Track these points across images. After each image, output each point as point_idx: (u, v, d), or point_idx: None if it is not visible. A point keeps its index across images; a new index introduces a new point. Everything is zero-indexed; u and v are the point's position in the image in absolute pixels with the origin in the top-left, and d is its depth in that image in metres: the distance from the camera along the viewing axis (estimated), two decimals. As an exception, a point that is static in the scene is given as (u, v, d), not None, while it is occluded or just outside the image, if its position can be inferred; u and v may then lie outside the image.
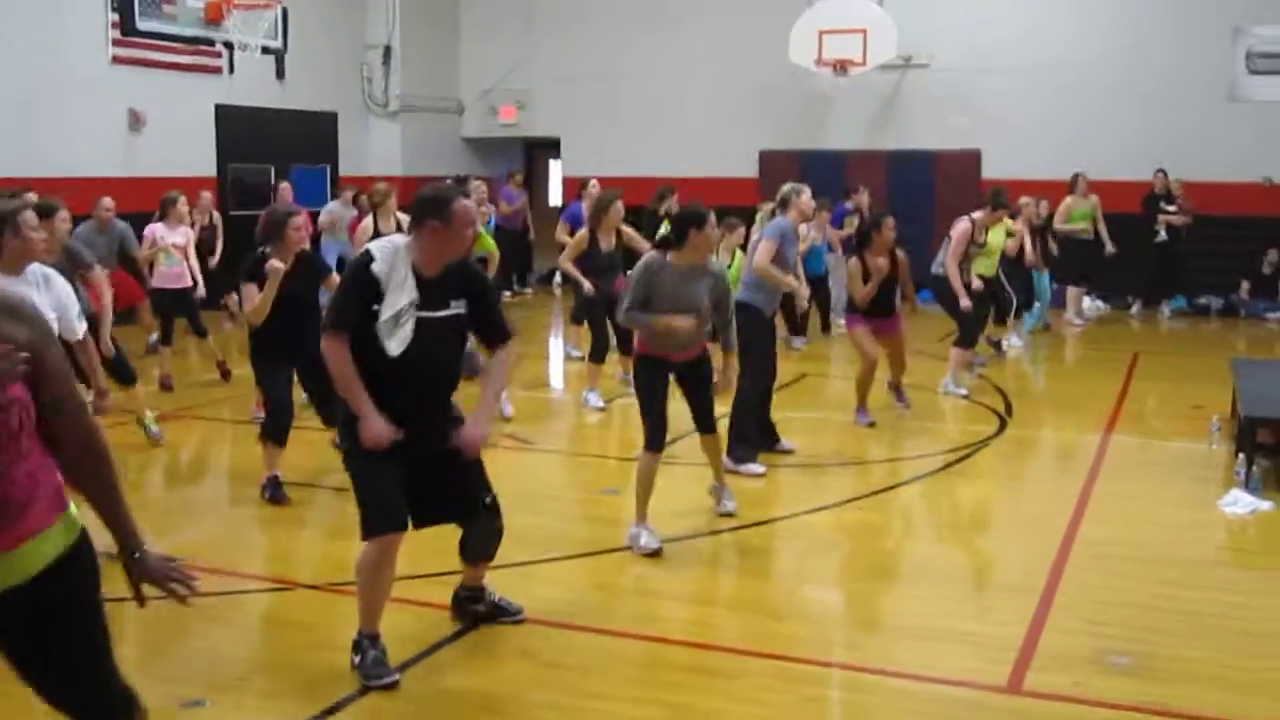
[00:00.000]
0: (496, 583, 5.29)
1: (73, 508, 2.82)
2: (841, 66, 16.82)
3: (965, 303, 10.37)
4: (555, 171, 21.65)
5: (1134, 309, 16.66)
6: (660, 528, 6.27)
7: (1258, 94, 16.44)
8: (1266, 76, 16.43)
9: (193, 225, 13.25)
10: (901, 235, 9.43)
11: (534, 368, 12.15)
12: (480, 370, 4.80)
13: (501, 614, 5.13)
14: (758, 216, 11.48)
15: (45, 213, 7.01)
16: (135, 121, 15.33)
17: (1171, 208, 16.10)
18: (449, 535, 5.47)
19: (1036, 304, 14.27)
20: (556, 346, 13.83)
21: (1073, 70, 17.09)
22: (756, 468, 7.72)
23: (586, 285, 9.98)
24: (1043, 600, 5.50)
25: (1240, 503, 7.11)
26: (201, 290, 11.15)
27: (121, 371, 8.23)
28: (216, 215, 14.14)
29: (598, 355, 10.11)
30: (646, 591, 5.70)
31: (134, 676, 3.03)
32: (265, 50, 16.77)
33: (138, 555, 2.85)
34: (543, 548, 6.15)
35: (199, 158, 16.23)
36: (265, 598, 5.69)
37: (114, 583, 2.94)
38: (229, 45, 16.24)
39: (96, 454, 2.78)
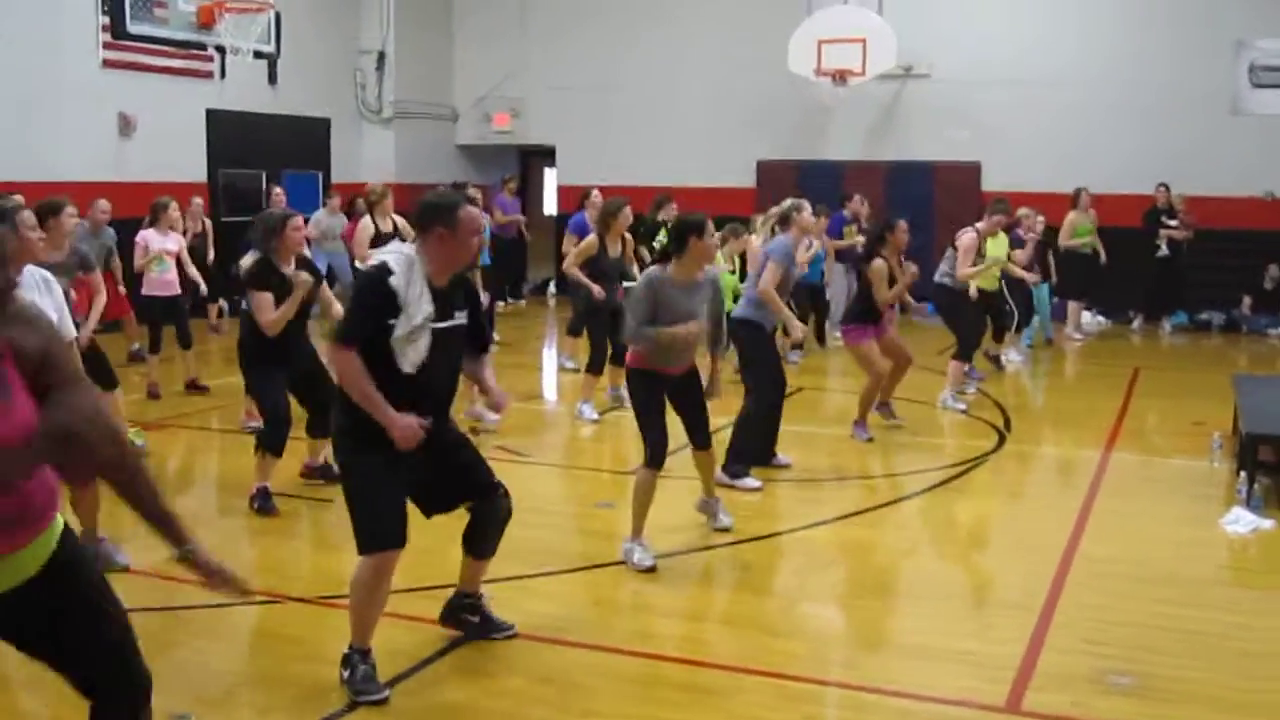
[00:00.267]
0: (490, 597, 5.28)
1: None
2: (840, 76, 16.87)
3: (1031, 276, 11.37)
4: (550, 180, 21.69)
5: (1135, 324, 16.71)
6: (655, 543, 6.27)
7: (1260, 107, 16.51)
8: (1269, 90, 16.50)
9: (184, 232, 13.27)
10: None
11: (527, 379, 12.15)
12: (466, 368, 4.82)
13: (493, 630, 5.13)
14: (758, 224, 11.49)
15: (52, 210, 7.02)
16: (125, 126, 15.34)
17: (1173, 222, 16.16)
18: (440, 549, 5.47)
19: (1035, 318, 14.32)
20: (550, 358, 13.83)
21: (1074, 83, 17.16)
22: (752, 482, 7.73)
23: (596, 290, 10.02)
24: (1042, 619, 5.51)
25: (1241, 521, 7.12)
26: (204, 290, 11.23)
27: (103, 375, 8.23)
28: (207, 221, 14.16)
29: (595, 366, 10.13)
30: (641, 607, 5.70)
31: (122, 691, 3.03)
32: (258, 55, 16.77)
33: (190, 549, 3.05)
34: (536, 562, 6.15)
35: (189, 163, 16.24)
36: (254, 611, 5.67)
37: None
38: (221, 49, 16.25)
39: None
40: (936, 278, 10.72)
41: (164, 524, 3.03)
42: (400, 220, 11.01)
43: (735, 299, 9.46)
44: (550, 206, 21.76)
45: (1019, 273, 12.43)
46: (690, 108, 19.03)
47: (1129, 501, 7.74)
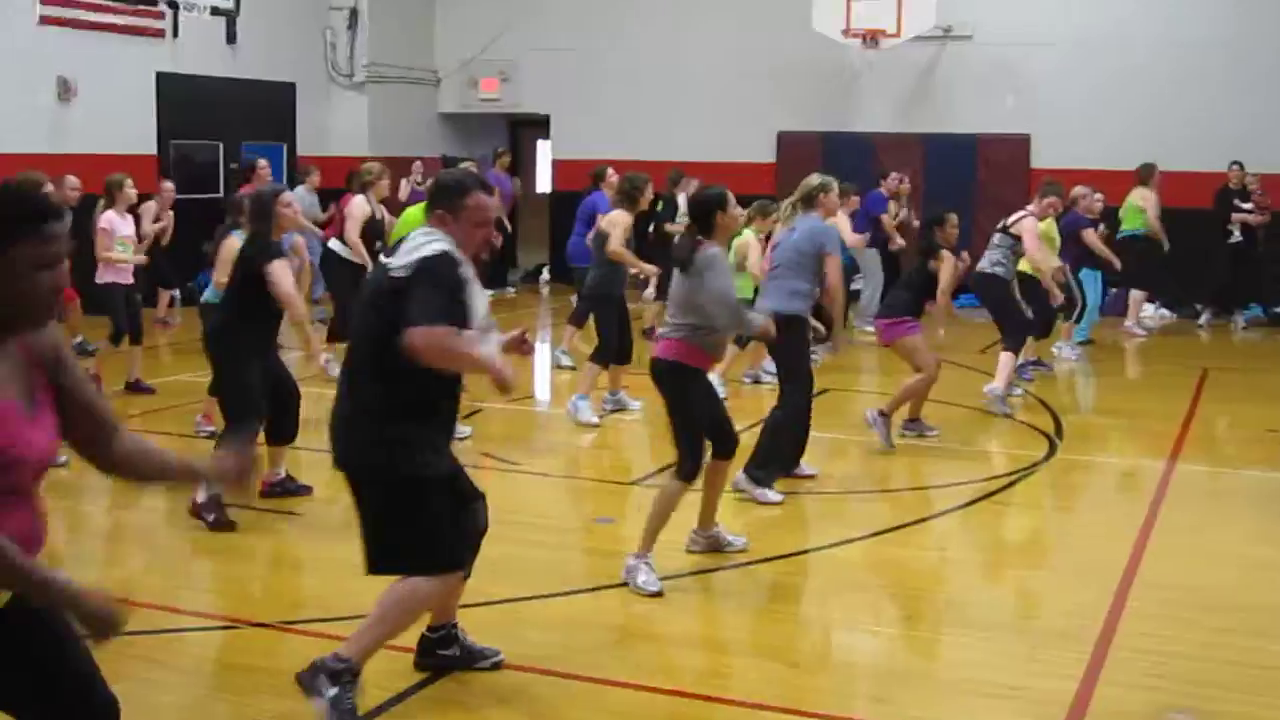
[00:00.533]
0: (478, 621, 5.29)
1: None
2: (872, 37, 16.85)
3: (1058, 297, 11.21)
4: (543, 153, 21.69)
5: (1203, 319, 16.68)
6: (662, 562, 6.27)
7: (1346, 75, 16.48)
8: (1356, 55, 16.47)
9: (157, 219, 13.31)
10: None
11: (518, 378, 12.14)
12: None
13: (477, 659, 5.13)
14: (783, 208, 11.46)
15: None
16: (65, 91, 15.35)
17: (1247, 205, 16.12)
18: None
19: (1088, 309, 14.20)
20: (544, 353, 13.83)
21: (1135, 45, 17.13)
22: (773, 495, 7.73)
23: (649, 268, 10.27)
24: (1097, 650, 5.51)
25: (1323, 541, 7.11)
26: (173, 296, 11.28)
27: None
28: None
29: (603, 356, 10.10)
30: (646, 636, 5.69)
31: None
32: (215, 11, 16.81)
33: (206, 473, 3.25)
34: (528, 583, 6.15)
35: (137, 133, 16.25)
36: (208, 637, 5.69)
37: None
38: (173, 4, 16.27)
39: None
40: (983, 267, 10.69)
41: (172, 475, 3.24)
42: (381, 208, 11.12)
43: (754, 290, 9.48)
44: (544, 183, 21.76)
45: (1101, 250, 12.44)
46: (701, 73, 19.02)
47: (1195, 518, 7.74)
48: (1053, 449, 9.48)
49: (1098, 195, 13.85)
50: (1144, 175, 15.07)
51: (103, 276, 10.71)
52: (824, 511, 7.88)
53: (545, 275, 20.39)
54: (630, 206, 10.06)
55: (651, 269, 10.48)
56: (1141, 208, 14.92)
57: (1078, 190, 13.37)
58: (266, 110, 18.33)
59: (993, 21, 17.67)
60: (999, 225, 10.88)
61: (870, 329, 14.06)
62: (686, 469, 6.16)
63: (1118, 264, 13.70)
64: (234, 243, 8.04)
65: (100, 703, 3.14)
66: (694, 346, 6.22)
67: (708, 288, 6.12)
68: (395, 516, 4.53)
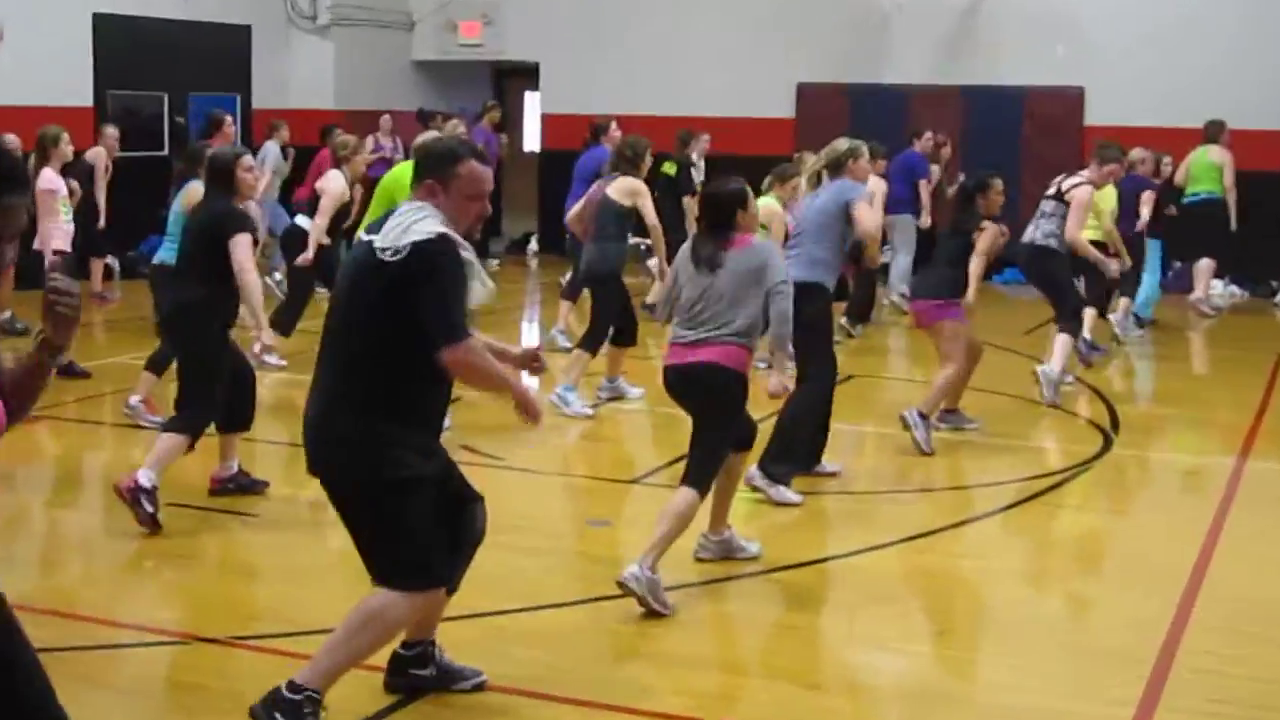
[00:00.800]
0: (457, 638, 5.29)
1: None
2: (905, -24, 16.83)
3: (1114, 267, 11.11)
4: (531, 107, 21.66)
5: (1279, 297, 16.69)
6: (666, 571, 6.25)
7: None
8: None
9: (106, 170, 13.32)
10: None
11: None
12: None
13: (455, 680, 5.13)
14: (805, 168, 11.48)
15: None
16: (-11, 35, 15.31)
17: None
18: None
19: (1148, 285, 14.16)
20: (531, 333, 13.84)
21: (1203, -14, 17.13)
22: (792, 495, 7.74)
23: (661, 259, 10.34)
24: (1155, 671, 5.52)
25: None
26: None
27: None
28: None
29: (593, 341, 10.05)
30: (647, 653, 5.70)
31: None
32: (159, -57, 16.76)
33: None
34: (513, 594, 6.16)
35: (71, 83, 16.21)
36: (152, 654, 5.69)
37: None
38: (112, -64, 16.23)
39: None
40: (1031, 238, 10.66)
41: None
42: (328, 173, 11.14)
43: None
44: (532, 141, 21.74)
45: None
46: (712, 17, 18.99)
47: (1267, 522, 7.74)
48: (1108, 444, 9.49)
49: (1167, 158, 13.79)
50: (1212, 133, 15.00)
51: (50, 244, 10.69)
52: (848, 514, 7.88)
53: (533, 245, 20.38)
54: (632, 173, 10.03)
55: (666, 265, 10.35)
56: (1217, 164, 14.80)
57: (1136, 154, 13.34)
58: (218, 57, 18.29)
59: (1042, -42, 17.66)
60: (1050, 191, 10.83)
61: (898, 302, 14.12)
62: (707, 487, 6.21)
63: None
64: (198, 189, 8.02)
65: None
66: (747, 351, 6.30)
67: (781, 296, 6.28)
68: (372, 523, 4.57)
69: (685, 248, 6.54)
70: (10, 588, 2.99)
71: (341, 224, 11.23)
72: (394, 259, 4.41)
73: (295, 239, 11.38)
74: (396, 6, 20.59)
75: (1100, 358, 12.40)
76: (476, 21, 20.38)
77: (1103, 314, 12.71)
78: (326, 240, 11.11)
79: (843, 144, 8.26)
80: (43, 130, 11.06)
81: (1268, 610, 6.27)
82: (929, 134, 15.58)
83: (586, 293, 10.65)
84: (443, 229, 4.47)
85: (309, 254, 11.02)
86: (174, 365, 7.76)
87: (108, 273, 14.79)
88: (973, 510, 7.97)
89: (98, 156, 13.62)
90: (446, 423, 4.82)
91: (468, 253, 4.52)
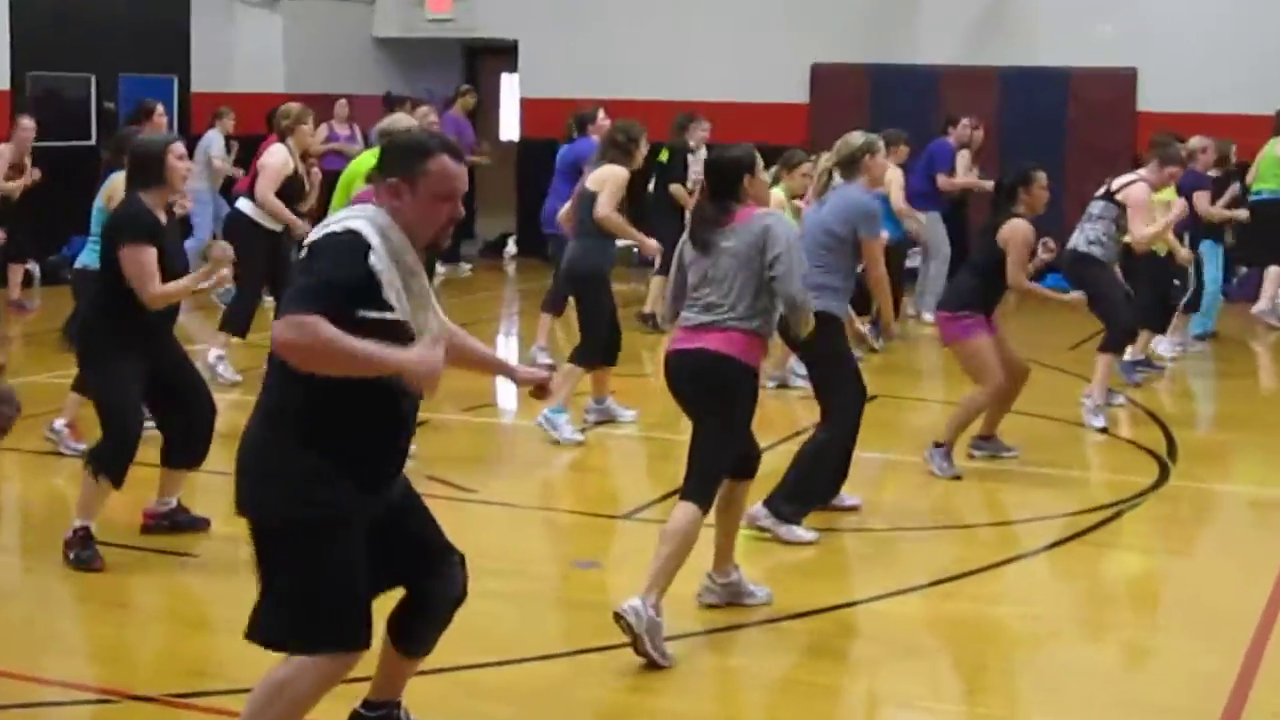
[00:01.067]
0: (424, 694, 5.28)
1: None
2: (933, -57, 16.88)
3: (1184, 253, 11.46)
4: (509, 90, 21.69)
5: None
6: (665, 618, 6.26)
7: None
8: None
9: (19, 167, 13.32)
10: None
11: (474, 381, 12.11)
12: None
13: (423, 742, 5.13)
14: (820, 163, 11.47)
15: None
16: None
17: None
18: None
19: (1209, 296, 14.18)
20: (508, 347, 13.84)
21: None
22: (805, 533, 7.75)
23: (651, 244, 10.37)
24: (1222, 733, 5.54)
25: None
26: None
27: None
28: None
29: (588, 356, 10.02)
30: (641, 713, 5.70)
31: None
32: (85, -95, 16.77)
33: None
34: (488, 646, 6.15)
35: (-15, 63, 16.24)
36: (80, 714, 5.68)
37: None
38: (31, -103, 16.24)
39: None
40: (1078, 243, 10.68)
41: None
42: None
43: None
44: (510, 129, 21.76)
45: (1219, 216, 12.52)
46: (714, -13, 19.07)
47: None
48: (1164, 474, 9.50)
49: (1231, 147, 13.80)
50: None
51: None
52: (869, 554, 7.89)
53: (511, 248, 20.39)
54: (624, 161, 10.05)
55: (653, 244, 10.43)
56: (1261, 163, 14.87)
57: (1195, 142, 13.36)
58: (152, 33, 18.28)
59: (1089, -77, 17.73)
60: (1101, 190, 10.85)
61: (930, 316, 14.12)
62: (709, 501, 6.21)
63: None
64: (123, 181, 8.00)
65: None
66: (754, 337, 6.28)
67: (782, 273, 6.20)
68: (285, 572, 4.45)
69: (686, 230, 6.56)
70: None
71: (292, 209, 11.04)
72: (305, 251, 4.45)
73: (238, 226, 11.20)
74: (356, -24, 20.64)
75: (1150, 376, 12.38)
76: (447, -7, 20.44)
77: (1161, 329, 12.71)
78: (275, 226, 10.87)
79: (857, 138, 8.21)
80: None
81: (1346, 663, 6.29)
82: (966, 121, 15.46)
83: (572, 303, 10.63)
84: (360, 227, 4.40)
85: (296, 227, 10.73)
86: None
87: (27, 279, 14.78)
88: (1011, 550, 7.97)
89: (2, 155, 13.60)
90: (412, 449, 4.75)
91: (383, 264, 4.36)
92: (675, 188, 14.33)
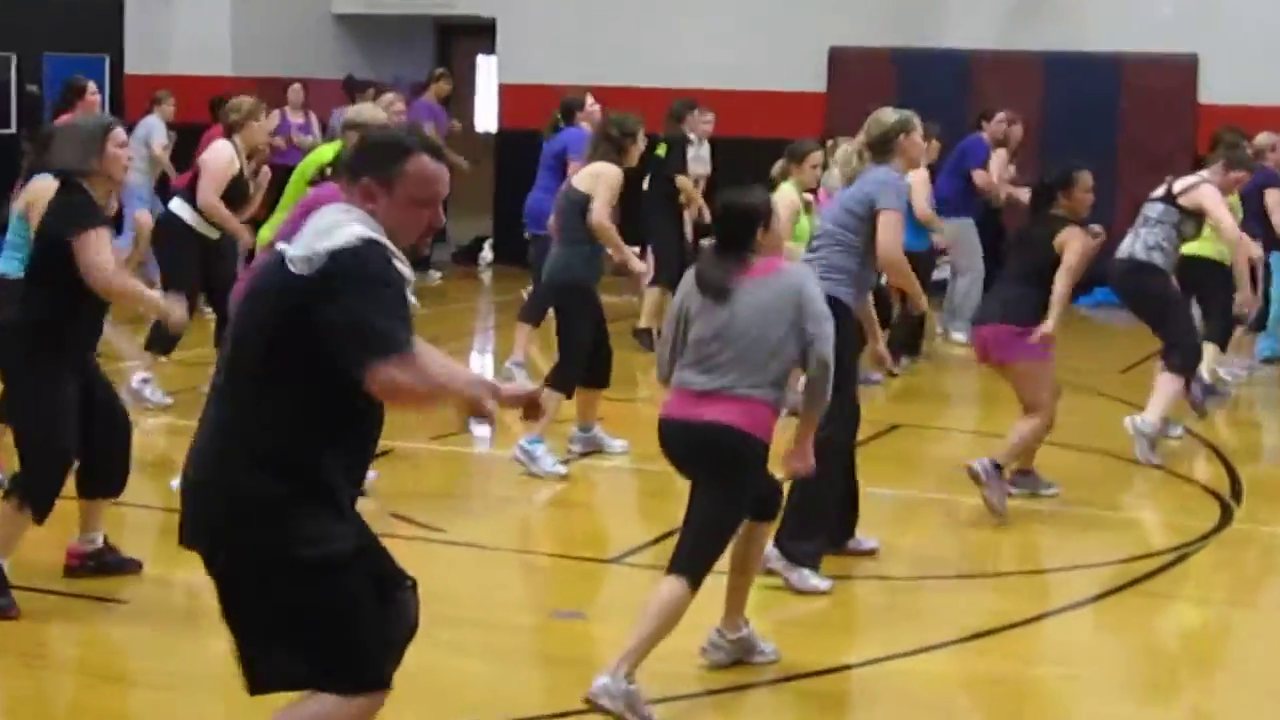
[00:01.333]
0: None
1: None
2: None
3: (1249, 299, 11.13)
4: (486, 74, 21.70)
5: None
6: (654, 677, 6.25)
7: None
8: None
9: None
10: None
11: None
12: None
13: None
14: (838, 155, 11.50)
15: None
16: None
17: None
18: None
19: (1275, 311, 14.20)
20: (485, 366, 13.83)
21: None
22: (820, 582, 7.73)
23: (637, 266, 10.41)
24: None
25: None
26: None
27: None
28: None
29: (566, 381, 10.01)
30: (629, 785, 5.70)
31: None
32: None
33: None
34: (460, 707, 6.15)
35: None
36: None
37: None
38: None
39: None
40: (1129, 250, 10.68)
41: None
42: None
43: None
44: (486, 119, 21.78)
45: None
46: (719, -41, 19.12)
47: None
48: (1227, 515, 9.50)
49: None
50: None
51: None
52: (890, 605, 7.88)
53: (487, 253, 20.37)
54: (617, 159, 10.03)
55: (639, 266, 10.33)
56: None
57: (1263, 139, 13.39)
58: (80, 7, 18.31)
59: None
60: (1161, 191, 10.85)
61: (962, 337, 14.13)
62: (701, 576, 6.17)
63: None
64: (46, 186, 7.97)
65: None
66: (771, 410, 6.28)
67: (819, 334, 6.25)
68: (290, 614, 4.50)
69: (690, 274, 6.53)
70: None
71: (238, 214, 11.02)
72: (306, 271, 4.40)
73: (170, 230, 11.20)
74: (313, -56, 20.67)
75: (1217, 404, 12.40)
76: (415, -36, 20.49)
77: (1223, 346, 12.71)
78: (211, 232, 10.85)
79: (890, 115, 8.23)
80: None
81: None
82: (1001, 115, 15.45)
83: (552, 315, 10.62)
84: (371, 234, 4.46)
85: (239, 233, 10.78)
86: None
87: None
88: (1052, 601, 7.96)
89: None
90: (370, 474, 4.78)
91: (404, 265, 4.53)
92: (682, 180, 14.26)
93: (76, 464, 7.41)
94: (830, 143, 12.58)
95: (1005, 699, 6.72)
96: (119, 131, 7.36)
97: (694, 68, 18.32)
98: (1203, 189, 10.58)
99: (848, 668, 6.93)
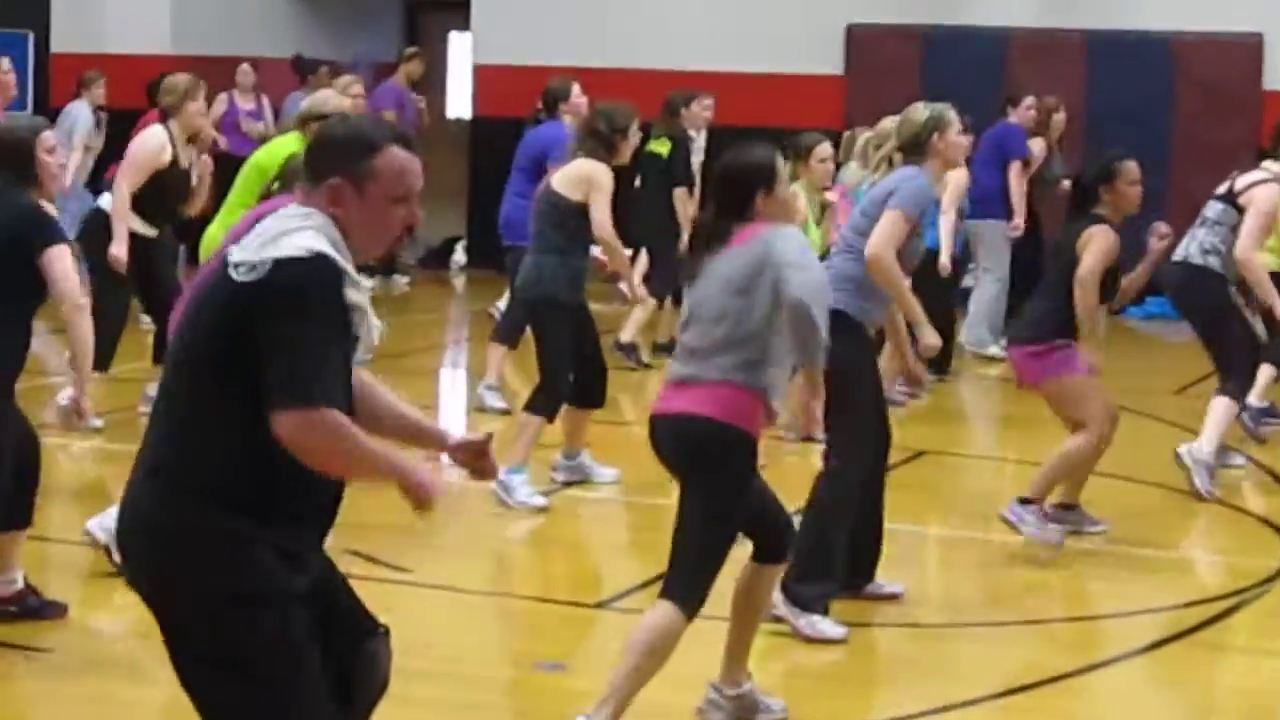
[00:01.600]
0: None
1: None
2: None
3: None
4: (459, 55, 21.72)
5: None
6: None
7: None
8: None
9: None
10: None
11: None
12: None
13: None
14: (857, 147, 11.52)
15: None
16: None
17: None
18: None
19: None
20: (456, 386, 13.85)
21: None
22: (832, 629, 7.73)
23: (638, 291, 10.54)
24: None
25: None
26: None
27: None
28: None
29: (548, 404, 9.99)
30: None
31: None
32: None
33: None
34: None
35: None
36: None
37: None
38: None
39: None
40: (1184, 254, 10.69)
41: None
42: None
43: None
44: (459, 105, 21.79)
45: None
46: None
47: None
48: (1293, 555, 9.53)
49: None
50: None
51: None
52: (916, 657, 7.88)
53: (459, 256, 20.38)
54: (605, 156, 10.02)
55: (640, 291, 10.30)
56: None
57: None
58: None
59: None
60: (1223, 188, 10.85)
61: (993, 353, 14.15)
62: (694, 600, 6.16)
63: None
64: None
65: None
66: (748, 394, 6.22)
67: (790, 291, 6.15)
68: (226, 662, 4.48)
69: None
70: None
71: (172, 215, 10.94)
72: (248, 278, 4.39)
73: (96, 229, 11.04)
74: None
75: (1275, 428, 12.39)
76: (380, -70, 20.53)
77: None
78: (149, 231, 10.80)
79: (920, 112, 8.21)
80: None
81: None
82: (1030, 100, 15.44)
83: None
84: (325, 249, 4.43)
85: (117, 248, 10.64)
86: None
87: None
88: (1098, 652, 7.96)
89: None
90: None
91: (357, 292, 4.47)
92: (679, 192, 14.19)
93: None
94: (848, 134, 12.62)
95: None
96: (47, 136, 7.38)
97: (691, 48, 18.38)
98: (1260, 192, 10.51)
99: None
